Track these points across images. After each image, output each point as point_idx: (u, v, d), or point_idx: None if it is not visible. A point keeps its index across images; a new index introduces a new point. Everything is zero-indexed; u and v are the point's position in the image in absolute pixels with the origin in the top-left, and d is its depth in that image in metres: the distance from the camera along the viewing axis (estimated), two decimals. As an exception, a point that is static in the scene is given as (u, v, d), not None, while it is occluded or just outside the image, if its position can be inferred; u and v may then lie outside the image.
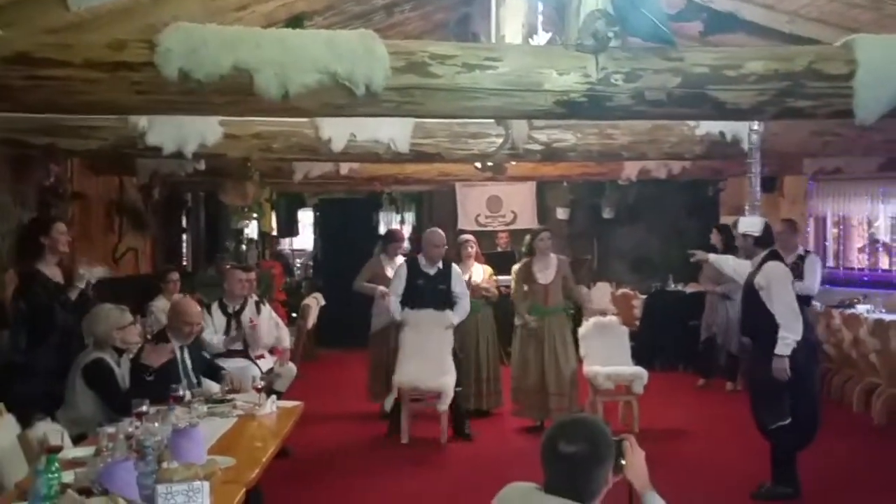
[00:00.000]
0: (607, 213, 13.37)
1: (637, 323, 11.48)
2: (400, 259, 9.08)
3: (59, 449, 3.52)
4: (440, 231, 8.25)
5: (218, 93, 3.73)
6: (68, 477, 3.44)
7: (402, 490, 6.55)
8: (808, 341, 6.16)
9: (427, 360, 7.71)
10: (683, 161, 8.86)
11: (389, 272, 8.84)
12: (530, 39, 5.89)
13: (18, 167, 7.60)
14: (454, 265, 8.19)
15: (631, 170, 9.51)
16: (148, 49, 3.61)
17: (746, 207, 6.78)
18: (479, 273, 8.83)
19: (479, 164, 8.63)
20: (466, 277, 8.54)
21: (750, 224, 6.32)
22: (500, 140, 7.06)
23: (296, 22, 6.74)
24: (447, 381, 7.66)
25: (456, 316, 7.95)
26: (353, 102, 3.82)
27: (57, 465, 3.27)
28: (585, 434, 2.64)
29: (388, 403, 8.10)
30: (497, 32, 6.56)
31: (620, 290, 12.36)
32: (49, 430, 4.43)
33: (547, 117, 4.31)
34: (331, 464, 7.26)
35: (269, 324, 7.79)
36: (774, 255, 6.23)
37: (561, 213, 13.64)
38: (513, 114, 4.32)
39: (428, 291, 7.93)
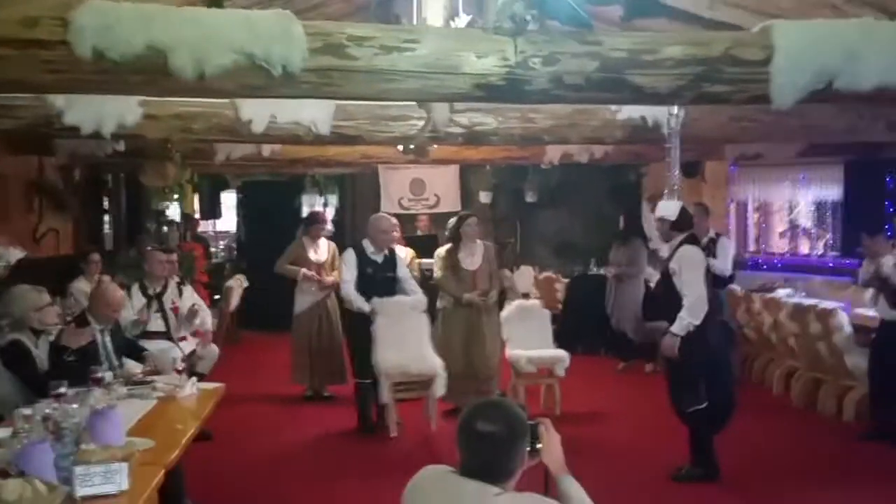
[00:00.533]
0: (530, 197, 13.52)
1: (559, 306, 11.65)
2: (323, 241, 9.15)
3: (-28, 431, 3.49)
4: (388, 217, 8.20)
5: (133, 72, 3.69)
6: (-17, 459, 3.42)
7: (320, 470, 6.60)
8: (724, 325, 6.29)
9: (407, 347, 7.60)
10: (605, 146, 8.99)
11: (312, 254, 8.98)
12: (451, 22, 5.93)
13: (-71, 146, 7.43)
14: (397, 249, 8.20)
15: (553, 154, 9.62)
16: (61, 26, 3.55)
17: (665, 192, 6.92)
18: (402, 256, 8.86)
19: (401, 147, 8.64)
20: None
21: (666, 208, 6.46)
22: (422, 123, 7.09)
23: (215, 1, 6.67)
24: (436, 363, 7.63)
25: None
26: (271, 84, 3.82)
27: (-29, 446, 3.25)
28: (502, 415, 2.67)
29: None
30: (419, 15, 6.59)
31: (543, 274, 12.54)
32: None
33: (465, 100, 4.35)
34: (253, 446, 7.27)
35: (189, 305, 7.73)
36: (691, 240, 6.36)
37: (484, 197, 13.76)
38: (432, 96, 4.36)
39: (379, 279, 7.80)
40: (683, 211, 6.44)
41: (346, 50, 3.80)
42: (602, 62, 4.00)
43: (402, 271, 8.05)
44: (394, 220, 9.04)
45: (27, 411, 3.83)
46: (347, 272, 7.79)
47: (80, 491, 3.33)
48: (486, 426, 2.64)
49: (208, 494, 5.72)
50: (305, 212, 15.43)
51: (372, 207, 12.28)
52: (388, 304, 7.71)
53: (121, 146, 8.10)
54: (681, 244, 6.30)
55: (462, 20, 5.73)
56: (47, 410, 3.97)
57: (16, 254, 5.99)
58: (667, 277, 6.31)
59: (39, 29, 3.55)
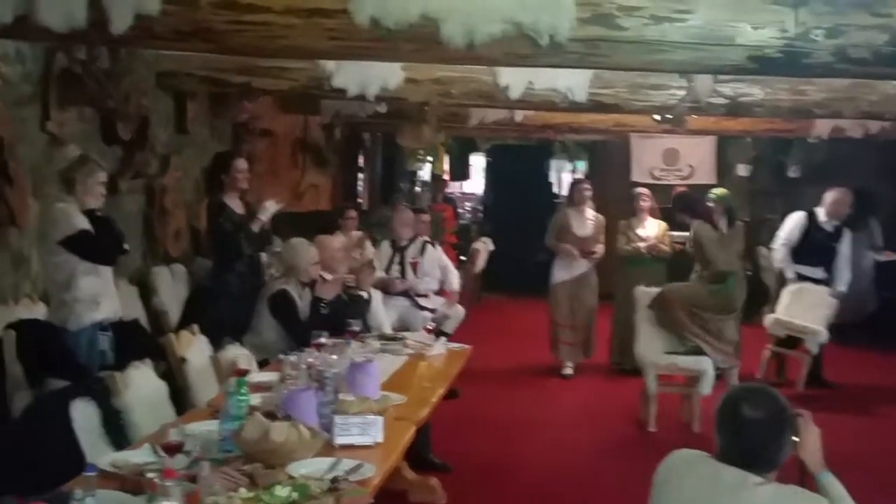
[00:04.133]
0: (793, 172, 12.80)
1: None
2: (589, 213, 8.67)
3: (247, 372, 3.75)
4: None
5: (406, 40, 3.81)
6: (255, 400, 3.67)
7: (562, 442, 6.63)
8: None
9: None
10: (883, 121, 8.40)
11: (575, 227, 8.60)
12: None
13: (216, 104, 8.04)
14: None
15: (823, 128, 9.06)
16: (342, -4, 3.72)
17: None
18: (654, 228, 8.68)
19: (657, 116, 8.45)
20: (641, 231, 8.44)
21: None
22: (682, 93, 6.89)
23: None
24: (705, 359, 7.03)
25: None
26: (537, 53, 3.82)
27: (246, 387, 3.50)
28: (768, 402, 2.58)
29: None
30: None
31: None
32: (238, 354, 4.73)
33: (738, 73, 4.20)
34: (496, 408, 7.36)
35: (431, 266, 7.87)
36: None
37: (742, 170, 13.18)
38: (701, 68, 4.22)
39: None
40: None
41: (616, 20, 3.73)
42: (893, 35, 3.71)
43: None
44: (643, 189, 8.90)
45: (293, 358, 4.05)
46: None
47: (339, 439, 3.50)
48: (752, 412, 2.54)
49: (451, 452, 5.87)
50: (553, 177, 15.44)
51: (622, 175, 12.13)
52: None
53: (383, 108, 8.41)
54: None
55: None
56: (310, 359, 4.21)
57: (276, 206, 6.37)
58: None
59: (323, -1, 3.72)
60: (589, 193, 8.43)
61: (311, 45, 3.90)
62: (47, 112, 6.03)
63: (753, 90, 6.81)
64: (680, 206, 7.92)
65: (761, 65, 3.83)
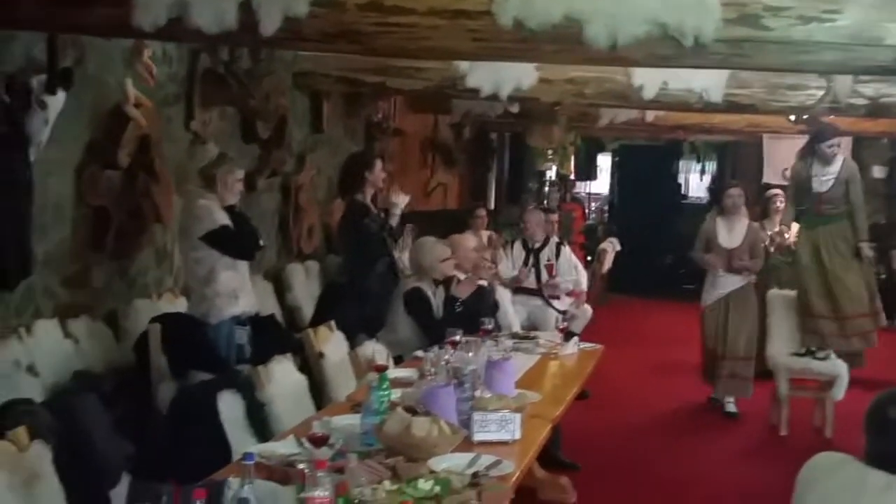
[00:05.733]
0: (933, 174, 12.33)
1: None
2: (741, 222, 7.44)
3: (386, 368, 3.84)
4: None
5: (549, 41, 3.81)
6: (395, 395, 3.76)
7: (692, 444, 6.54)
8: None
9: None
10: None
11: (723, 238, 7.35)
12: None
13: (350, 103, 8.23)
14: None
15: (965, 128, 8.70)
16: (487, -3, 3.77)
17: None
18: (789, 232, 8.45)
19: (793, 117, 8.24)
20: (774, 232, 8.22)
21: None
22: (821, 93, 6.70)
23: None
24: (839, 363, 6.82)
25: None
26: (680, 54, 3.78)
27: (388, 383, 3.59)
28: None
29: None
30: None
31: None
32: (375, 350, 4.85)
33: (886, 74, 4.06)
34: (627, 409, 7.31)
35: (567, 266, 7.90)
36: None
37: (878, 172, 12.74)
38: (848, 69, 4.13)
39: None
40: None
41: (762, 20, 3.66)
42: None
43: None
44: (776, 191, 8.63)
45: (431, 355, 4.12)
46: None
47: (478, 436, 3.56)
48: None
49: (581, 452, 5.88)
50: (681, 178, 15.18)
51: (753, 176, 11.86)
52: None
53: (515, 108, 8.45)
54: None
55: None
56: (446, 356, 4.28)
57: (404, 199, 6.47)
58: None
59: (468, 0, 3.78)
60: (742, 200, 7.46)
61: (455, 46, 3.95)
62: (191, 111, 6.28)
63: (894, 90, 6.58)
64: (833, 131, 7.38)
65: (912, 65, 3.71)
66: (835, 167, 7.20)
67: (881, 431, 2.52)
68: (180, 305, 5.74)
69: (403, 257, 6.46)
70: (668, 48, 3.77)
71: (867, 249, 7.10)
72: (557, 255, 7.88)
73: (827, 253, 7.11)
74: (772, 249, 8.11)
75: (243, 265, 5.41)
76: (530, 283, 7.73)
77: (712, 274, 7.36)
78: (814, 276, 7.10)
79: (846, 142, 12.40)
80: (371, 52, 4.54)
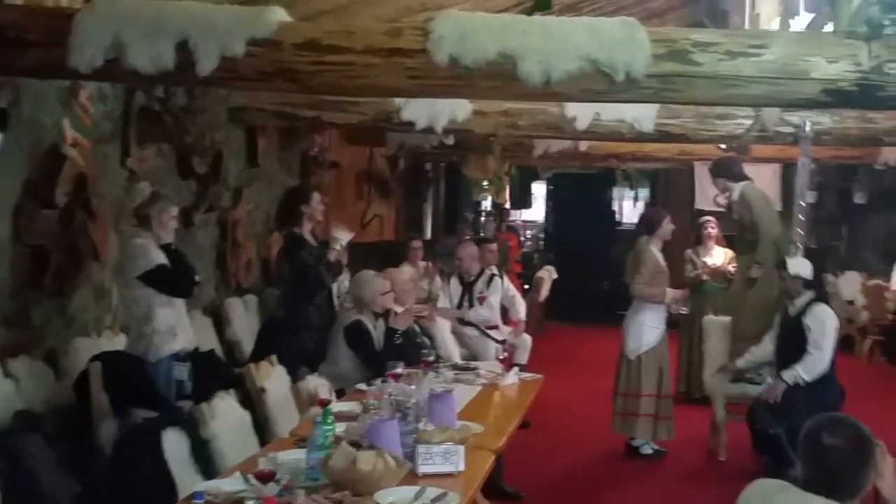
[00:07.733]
0: (859, 198, 12.65)
1: (889, 317, 10.84)
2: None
3: (330, 402, 3.84)
4: None
5: (484, 78, 3.90)
6: (339, 429, 3.76)
7: (633, 470, 6.61)
8: None
9: None
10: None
11: (663, 262, 6.90)
12: (790, 21, 5.73)
13: (285, 137, 8.23)
14: None
15: (890, 155, 9.00)
16: (422, 36, 3.83)
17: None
18: (721, 256, 8.64)
19: (723, 145, 8.45)
20: (707, 259, 8.38)
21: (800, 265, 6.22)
22: (750, 122, 6.91)
23: (544, 2, 6.88)
24: None
25: None
26: (612, 89, 3.90)
27: (332, 417, 3.60)
28: (848, 430, 2.60)
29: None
30: (751, 11, 6.41)
31: (872, 281, 11.67)
32: (318, 384, 4.84)
33: (813, 107, 4.23)
34: (568, 437, 7.35)
35: (496, 298, 7.90)
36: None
37: (809, 197, 13.05)
38: (776, 102, 4.28)
39: None
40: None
41: (691, 56, 3.79)
42: (967, 68, 3.72)
43: None
44: (708, 217, 8.81)
45: (373, 388, 4.12)
46: None
47: (422, 468, 3.57)
48: (833, 440, 2.57)
49: (523, 480, 5.90)
50: (615, 206, 15.37)
51: (686, 203, 12.09)
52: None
53: (450, 140, 8.52)
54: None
55: (803, 19, 5.53)
56: (389, 389, 4.29)
57: (347, 236, 6.48)
58: None
59: (403, 38, 3.85)
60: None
61: (392, 84, 4.01)
62: (127, 149, 6.23)
63: (822, 118, 6.82)
64: (719, 171, 7.64)
65: (836, 98, 3.87)
66: (734, 198, 7.41)
67: (817, 457, 2.60)
68: (119, 343, 5.68)
69: (341, 289, 6.45)
70: (600, 83, 3.88)
71: (755, 271, 7.22)
72: (489, 286, 7.89)
73: (749, 278, 7.30)
74: (705, 277, 8.29)
75: (180, 302, 5.40)
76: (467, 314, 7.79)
77: (656, 310, 6.81)
78: (742, 300, 7.26)
79: (771, 169, 12.78)
80: (309, 90, 4.58)
